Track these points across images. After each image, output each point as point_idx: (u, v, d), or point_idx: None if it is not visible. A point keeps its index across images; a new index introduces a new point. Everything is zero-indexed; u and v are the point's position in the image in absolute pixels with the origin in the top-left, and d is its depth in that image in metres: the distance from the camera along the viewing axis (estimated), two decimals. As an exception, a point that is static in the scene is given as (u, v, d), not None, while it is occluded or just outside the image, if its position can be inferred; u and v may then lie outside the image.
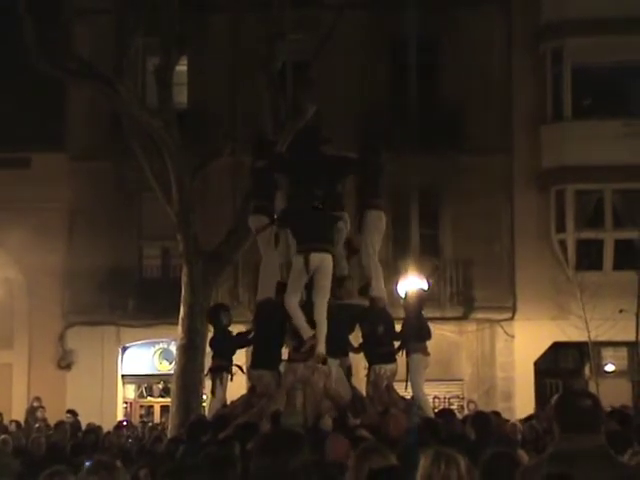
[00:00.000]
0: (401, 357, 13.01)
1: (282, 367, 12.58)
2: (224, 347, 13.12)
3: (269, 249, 13.04)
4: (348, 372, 12.96)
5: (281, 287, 12.87)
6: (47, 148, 26.66)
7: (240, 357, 13.90)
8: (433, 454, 5.48)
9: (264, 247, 13.17)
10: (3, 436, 14.94)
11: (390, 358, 12.78)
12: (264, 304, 12.88)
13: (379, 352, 12.71)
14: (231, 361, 13.09)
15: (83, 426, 19.39)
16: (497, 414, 14.64)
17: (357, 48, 25.93)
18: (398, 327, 13.07)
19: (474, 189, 25.56)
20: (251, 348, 13.06)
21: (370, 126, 24.00)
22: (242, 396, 13.09)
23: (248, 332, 13.29)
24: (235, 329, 13.48)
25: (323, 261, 12.14)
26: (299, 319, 12.16)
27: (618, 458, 5.00)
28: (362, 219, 13.11)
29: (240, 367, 13.30)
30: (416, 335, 12.96)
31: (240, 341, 13.27)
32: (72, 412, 20.97)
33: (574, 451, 4.81)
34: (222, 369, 12.97)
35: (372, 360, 12.85)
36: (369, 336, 12.80)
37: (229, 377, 13.05)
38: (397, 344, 12.94)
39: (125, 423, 21.66)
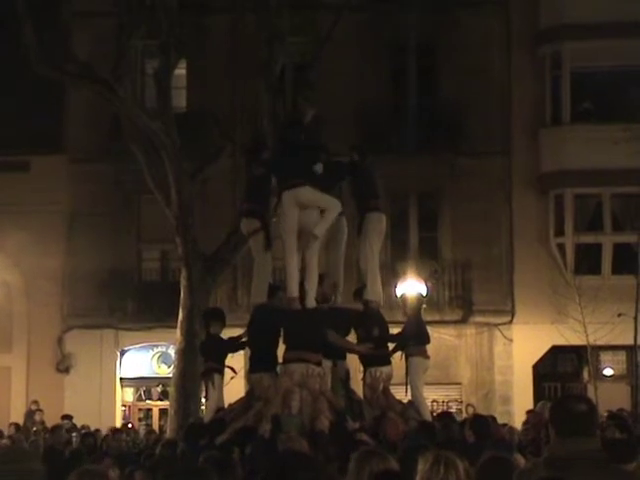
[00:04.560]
0: (400, 361, 12.98)
1: (278, 369, 12.55)
2: (213, 350, 13.07)
3: (261, 252, 13.02)
4: (346, 376, 12.94)
5: (273, 290, 12.88)
6: (46, 151, 26.63)
7: (239, 361, 13.89)
8: (432, 457, 5.47)
9: (256, 250, 13.14)
10: (4, 441, 14.87)
11: (385, 360, 12.77)
12: (259, 308, 12.87)
13: (375, 355, 12.68)
14: (223, 364, 13.03)
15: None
16: (492, 418, 14.60)
17: (356, 50, 25.91)
18: (395, 330, 13.05)
19: (473, 192, 25.56)
20: (249, 352, 13.00)
21: (368, 128, 24.06)
22: (240, 399, 13.08)
23: (240, 336, 13.25)
24: (234, 332, 13.45)
25: (313, 195, 12.34)
26: (292, 277, 12.36)
27: (614, 463, 5.00)
28: (362, 222, 13.04)
29: (232, 368, 13.25)
30: (415, 338, 12.94)
31: (231, 345, 13.20)
32: (68, 417, 20.76)
33: (569, 455, 4.82)
34: (212, 371, 12.93)
35: (368, 363, 12.81)
36: (365, 339, 12.77)
37: (222, 378, 12.98)
38: (391, 346, 12.93)
39: (130, 426, 21.63)
